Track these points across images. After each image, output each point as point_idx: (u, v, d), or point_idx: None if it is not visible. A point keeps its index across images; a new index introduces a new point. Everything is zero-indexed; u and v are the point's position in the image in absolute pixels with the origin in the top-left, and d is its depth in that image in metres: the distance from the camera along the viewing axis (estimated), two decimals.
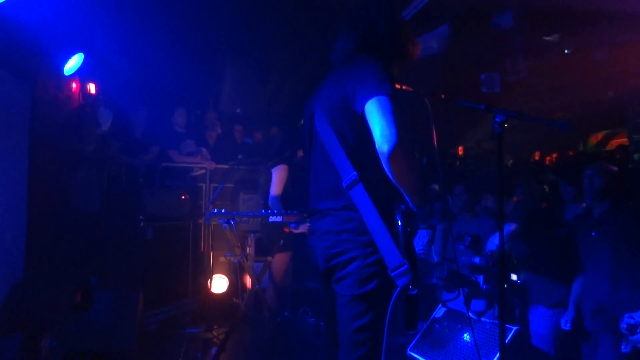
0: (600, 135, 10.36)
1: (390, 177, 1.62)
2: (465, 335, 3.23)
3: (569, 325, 3.13)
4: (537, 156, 9.75)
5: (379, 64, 1.73)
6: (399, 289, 1.60)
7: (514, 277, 3.31)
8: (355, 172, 1.68)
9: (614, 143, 10.15)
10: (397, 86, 1.96)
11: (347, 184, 1.70)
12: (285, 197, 4.02)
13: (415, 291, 1.61)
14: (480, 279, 3.34)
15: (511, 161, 9.55)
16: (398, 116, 1.59)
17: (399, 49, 1.94)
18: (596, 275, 2.99)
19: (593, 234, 3.00)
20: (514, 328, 3.16)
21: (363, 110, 1.65)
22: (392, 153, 1.55)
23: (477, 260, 3.29)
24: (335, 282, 1.78)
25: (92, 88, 5.05)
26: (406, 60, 1.99)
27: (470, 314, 3.22)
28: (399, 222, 1.68)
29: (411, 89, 1.99)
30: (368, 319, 1.69)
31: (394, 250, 1.61)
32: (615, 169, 3.00)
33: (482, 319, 3.25)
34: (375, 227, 1.63)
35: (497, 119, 1.85)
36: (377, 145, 1.58)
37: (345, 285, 1.73)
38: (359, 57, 1.84)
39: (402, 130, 1.57)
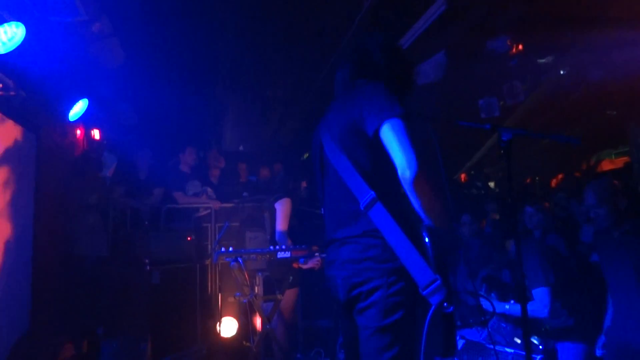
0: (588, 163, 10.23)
1: (416, 204, 1.58)
2: None
3: (601, 351, 2.92)
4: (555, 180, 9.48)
5: (383, 85, 1.74)
6: (433, 307, 1.51)
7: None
8: (372, 192, 1.64)
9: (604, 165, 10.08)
10: None
11: (365, 205, 1.65)
12: (292, 231, 3.96)
13: (451, 308, 1.52)
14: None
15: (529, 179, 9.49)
16: (414, 137, 1.58)
17: (397, 74, 1.94)
18: (621, 299, 2.81)
19: (615, 254, 2.84)
20: (539, 357, 3.03)
21: (375, 133, 1.64)
22: (416, 178, 1.52)
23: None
24: (358, 313, 1.70)
25: (96, 134, 5.11)
26: (404, 85, 1.98)
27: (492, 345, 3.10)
28: (426, 238, 1.61)
29: (415, 113, 1.98)
30: (394, 352, 1.60)
31: (423, 266, 1.53)
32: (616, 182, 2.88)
33: (505, 348, 3.12)
34: (400, 244, 1.57)
35: (503, 138, 1.82)
36: (399, 172, 1.56)
37: (369, 316, 1.65)
38: (362, 82, 1.85)
39: (420, 153, 1.56)
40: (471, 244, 3.94)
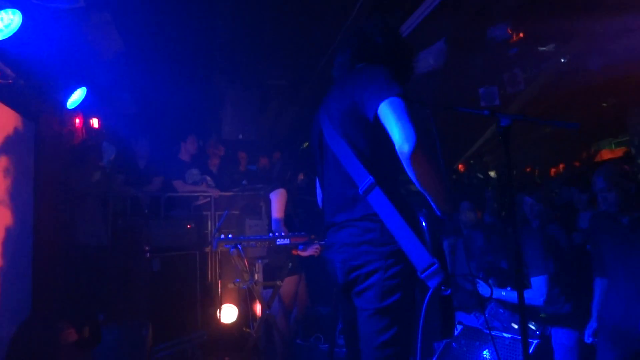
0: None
1: (413, 178, 1.57)
2: (484, 352, 3.13)
3: (591, 338, 2.94)
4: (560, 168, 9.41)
5: (382, 67, 1.73)
6: (431, 290, 1.53)
7: None
8: (371, 177, 1.64)
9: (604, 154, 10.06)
10: None
11: (364, 189, 1.65)
12: (289, 220, 3.98)
13: (448, 291, 1.54)
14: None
15: (537, 170, 9.48)
16: (413, 115, 1.57)
17: (397, 57, 1.93)
18: (628, 286, 2.75)
19: (624, 240, 2.81)
20: (535, 341, 3.07)
21: (374, 116, 1.63)
22: (414, 152, 1.50)
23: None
24: (356, 295, 1.72)
25: (95, 122, 5.10)
26: (404, 68, 1.97)
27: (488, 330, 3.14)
28: (423, 223, 1.64)
29: (413, 100, 1.97)
30: (392, 333, 1.62)
31: (422, 249, 1.55)
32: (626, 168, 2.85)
33: (503, 333, 3.15)
34: (399, 228, 1.58)
35: (501, 124, 1.81)
36: (397, 146, 1.54)
37: (367, 298, 1.67)
38: (361, 66, 1.84)
39: (420, 130, 1.54)
40: (474, 235, 3.92)
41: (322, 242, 3.58)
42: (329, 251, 1.86)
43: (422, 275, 1.54)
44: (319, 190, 2.15)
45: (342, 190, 1.78)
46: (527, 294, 2.99)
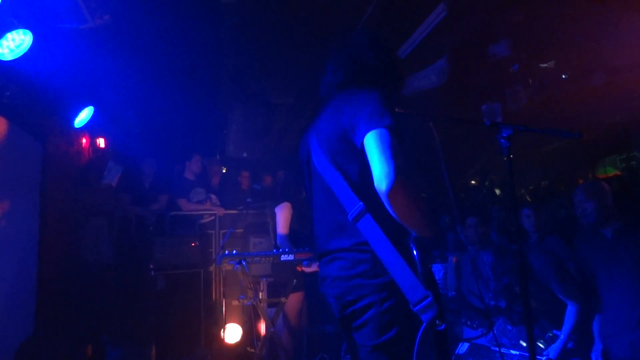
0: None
1: (391, 213, 1.52)
2: None
3: (601, 359, 2.91)
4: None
5: (377, 94, 1.65)
6: (424, 324, 1.46)
7: None
8: (361, 203, 1.58)
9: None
10: (401, 110, 1.95)
11: (353, 216, 1.59)
12: (295, 235, 3.97)
13: (442, 326, 1.47)
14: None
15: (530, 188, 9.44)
16: (398, 149, 1.51)
17: (390, 78, 1.88)
18: (614, 301, 2.81)
19: (610, 254, 2.86)
20: (544, 358, 3.01)
21: (362, 143, 1.58)
22: (391, 191, 1.46)
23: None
24: (354, 330, 1.66)
25: (101, 142, 5.17)
26: (396, 83, 1.93)
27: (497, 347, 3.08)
28: (414, 252, 1.56)
29: (415, 113, 1.98)
30: None
31: (414, 281, 1.49)
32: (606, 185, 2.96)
33: (510, 351, 3.09)
34: (390, 258, 1.52)
35: (503, 134, 1.81)
36: (375, 183, 1.50)
37: (365, 334, 1.61)
38: (354, 89, 1.75)
39: (402, 164, 1.49)
40: (482, 255, 3.85)
41: None
42: (322, 285, 1.79)
43: (415, 309, 1.48)
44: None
45: (332, 216, 1.72)
46: (569, 317, 2.99)
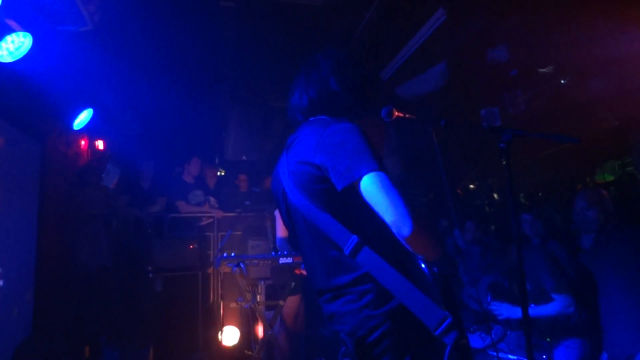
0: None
1: (411, 250, 1.46)
2: None
3: None
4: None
5: (350, 132, 1.53)
6: (449, 347, 1.39)
7: None
8: (354, 236, 1.49)
9: None
10: (400, 114, 1.95)
11: (349, 251, 1.49)
12: (295, 239, 3.97)
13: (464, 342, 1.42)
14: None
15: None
16: (398, 186, 1.44)
17: (356, 102, 1.78)
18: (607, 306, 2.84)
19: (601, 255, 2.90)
20: None
21: (343, 189, 1.47)
22: (412, 234, 1.39)
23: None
24: None
25: (100, 144, 5.17)
26: (364, 104, 1.82)
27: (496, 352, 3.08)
28: (425, 270, 1.52)
29: (414, 117, 1.98)
30: None
31: (430, 304, 1.41)
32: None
33: (509, 355, 3.10)
34: (399, 286, 1.44)
35: (503, 138, 1.82)
36: (394, 229, 1.41)
37: None
38: (323, 120, 1.66)
39: (409, 201, 1.42)
40: (472, 251, 3.91)
41: None
42: (331, 322, 1.69)
43: (437, 332, 1.40)
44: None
45: (325, 252, 1.62)
46: (554, 306, 3.00)
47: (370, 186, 1.43)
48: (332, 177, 1.50)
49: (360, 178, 1.43)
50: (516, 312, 3.18)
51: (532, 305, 3.22)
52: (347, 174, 1.46)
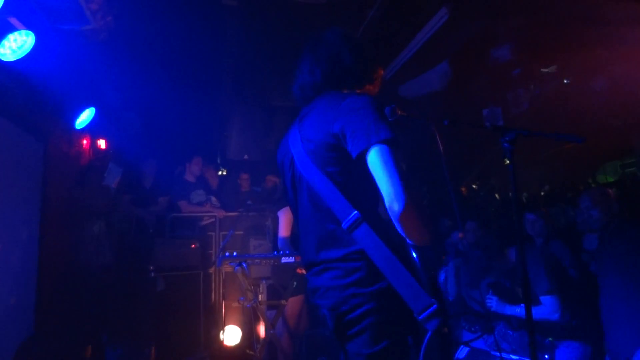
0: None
1: (402, 233, 1.49)
2: None
3: None
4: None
5: (369, 103, 1.57)
6: (429, 333, 1.41)
7: None
8: (356, 211, 1.51)
9: None
10: (403, 113, 1.94)
11: (348, 225, 1.51)
12: (296, 238, 3.97)
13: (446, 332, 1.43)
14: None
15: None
16: (401, 164, 1.47)
17: (367, 77, 1.82)
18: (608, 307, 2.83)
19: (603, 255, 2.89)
20: None
21: (359, 156, 1.51)
22: (403, 213, 1.42)
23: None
24: (349, 339, 1.58)
25: (102, 144, 5.17)
26: (374, 85, 1.86)
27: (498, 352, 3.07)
28: (416, 258, 1.50)
29: (417, 116, 1.97)
30: None
31: (418, 289, 1.43)
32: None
33: (511, 355, 3.09)
34: (391, 267, 1.46)
35: (506, 137, 1.81)
36: (386, 203, 1.45)
37: (360, 343, 1.54)
38: (338, 94, 1.68)
39: (408, 181, 1.45)
40: (470, 254, 3.88)
41: None
42: (314, 296, 1.70)
43: (420, 317, 1.42)
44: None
45: (322, 225, 1.63)
46: (539, 310, 2.96)
47: (376, 157, 1.47)
48: (348, 142, 1.54)
49: (376, 143, 1.47)
50: (504, 309, 3.17)
51: (522, 305, 3.20)
52: (364, 138, 1.49)
